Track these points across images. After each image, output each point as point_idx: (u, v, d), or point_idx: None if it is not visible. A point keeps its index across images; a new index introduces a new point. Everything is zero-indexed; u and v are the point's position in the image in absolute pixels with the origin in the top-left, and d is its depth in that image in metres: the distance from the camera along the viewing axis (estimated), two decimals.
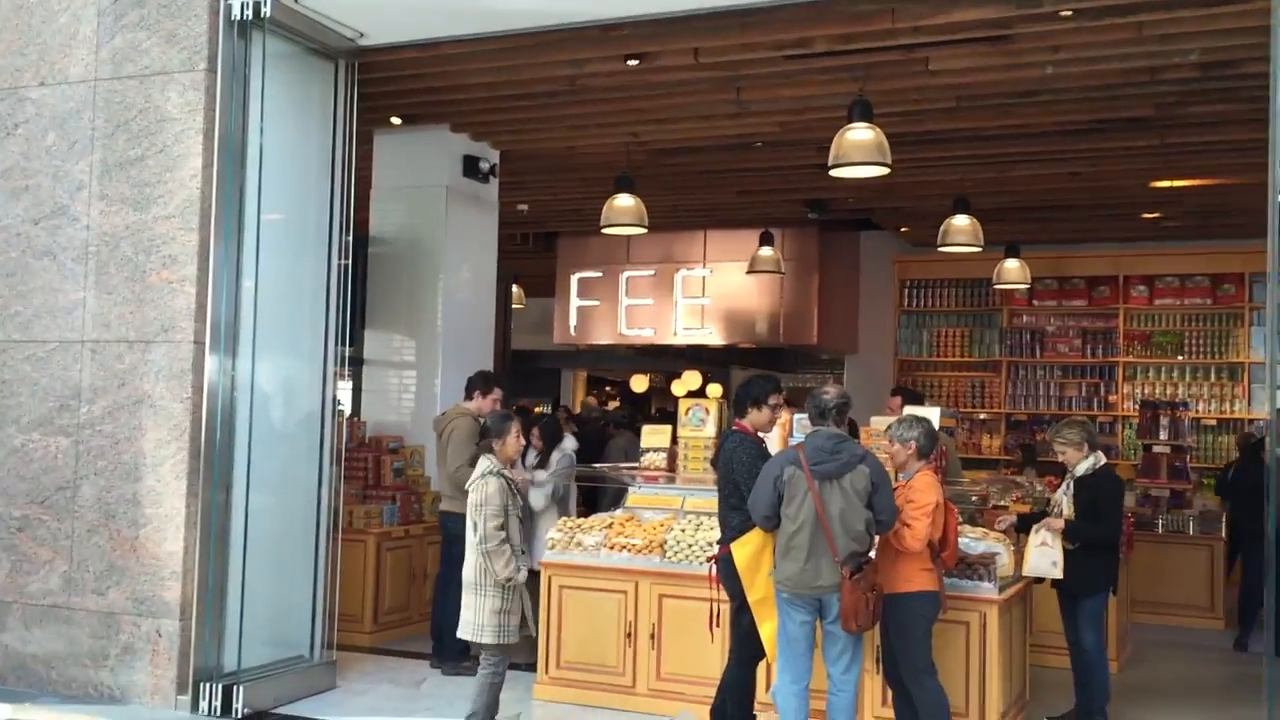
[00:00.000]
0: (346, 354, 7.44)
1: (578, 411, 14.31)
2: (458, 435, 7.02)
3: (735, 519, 5.33)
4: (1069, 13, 6.04)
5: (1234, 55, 6.56)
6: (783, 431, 6.35)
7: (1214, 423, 11.82)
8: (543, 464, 7.53)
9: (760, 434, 5.56)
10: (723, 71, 7.29)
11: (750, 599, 5.25)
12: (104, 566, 6.13)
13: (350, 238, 6.86)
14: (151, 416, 6.12)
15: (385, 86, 7.64)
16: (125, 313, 6.23)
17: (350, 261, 6.86)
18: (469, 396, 7.34)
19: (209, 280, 6.12)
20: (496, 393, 7.29)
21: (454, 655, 6.81)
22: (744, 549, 5.27)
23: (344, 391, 6.98)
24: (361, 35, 6.67)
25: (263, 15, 6.11)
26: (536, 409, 13.57)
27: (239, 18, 6.13)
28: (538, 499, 7.26)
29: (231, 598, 6.10)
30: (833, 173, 7.20)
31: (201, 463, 6.04)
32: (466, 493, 5.51)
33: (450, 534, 6.89)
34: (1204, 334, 11.99)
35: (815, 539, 4.89)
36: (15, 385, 6.43)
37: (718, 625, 5.55)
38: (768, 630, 5.20)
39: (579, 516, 7.11)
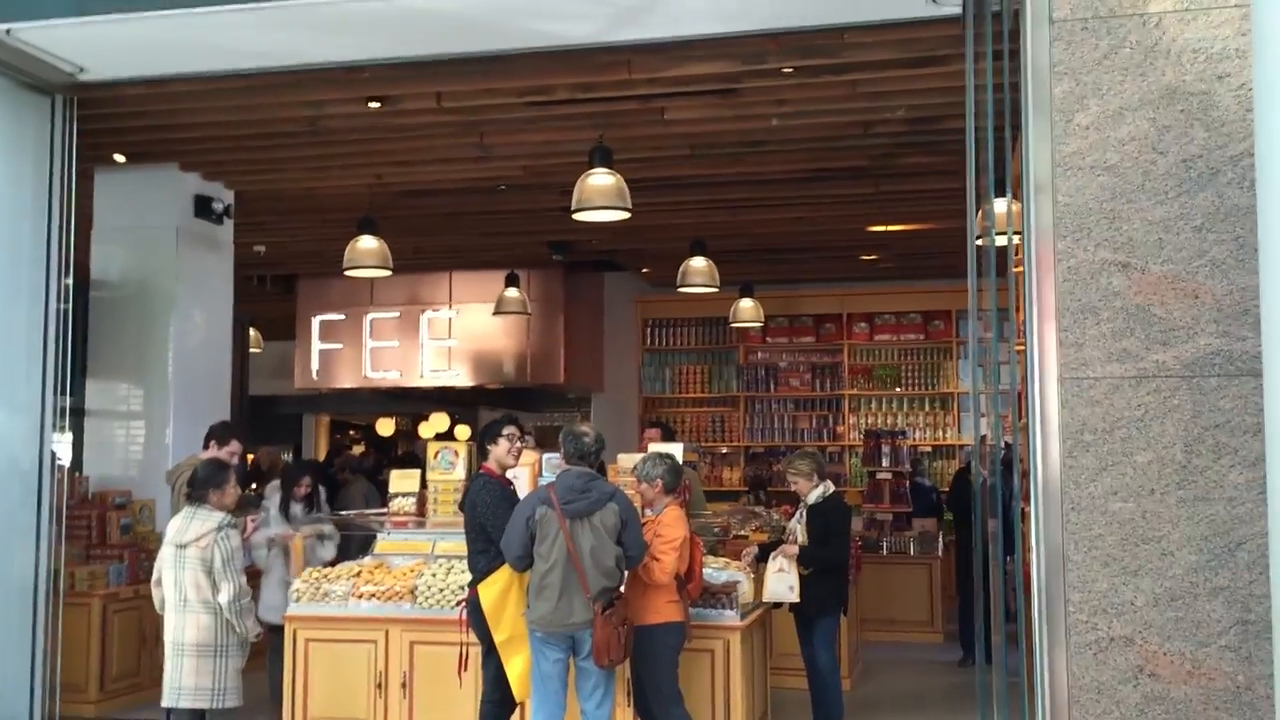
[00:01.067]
0: (67, 405, 7.01)
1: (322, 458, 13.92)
2: None
3: (481, 561, 5.38)
4: (790, 69, 6.47)
5: (937, 112, 7.17)
6: (532, 471, 6.43)
7: (930, 449, 12.76)
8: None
9: (507, 474, 5.63)
10: (466, 116, 7.36)
11: (496, 639, 5.30)
12: None
13: (70, 281, 6.48)
14: None
15: (108, 123, 7.29)
16: None
17: (70, 306, 6.48)
18: (205, 447, 7.05)
19: None
20: (235, 444, 7.04)
21: None
22: (490, 589, 5.33)
23: (64, 445, 6.55)
24: (81, 70, 6.32)
25: None
26: (280, 456, 13.09)
27: None
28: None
29: None
30: (575, 216, 7.39)
31: None
32: None
33: None
34: (919, 367, 12.95)
35: (567, 577, 4.98)
36: None
37: (466, 669, 5.55)
38: (515, 669, 5.26)
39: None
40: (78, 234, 6.55)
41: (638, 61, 6.41)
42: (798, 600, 6.22)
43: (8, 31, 5.81)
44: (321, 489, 7.76)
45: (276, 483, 7.65)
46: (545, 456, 6.55)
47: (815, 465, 6.44)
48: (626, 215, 7.35)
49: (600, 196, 7.17)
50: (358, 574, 6.41)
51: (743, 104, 7.08)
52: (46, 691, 6.12)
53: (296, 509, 7.35)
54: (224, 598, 5.15)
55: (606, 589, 5.01)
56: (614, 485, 5.41)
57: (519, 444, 5.72)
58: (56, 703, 6.15)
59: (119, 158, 8.28)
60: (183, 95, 6.93)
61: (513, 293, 11.37)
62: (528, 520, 5.06)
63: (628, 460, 6.33)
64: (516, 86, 6.82)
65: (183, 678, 5.16)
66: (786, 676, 7.28)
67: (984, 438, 5.67)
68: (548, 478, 6.09)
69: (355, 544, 8.94)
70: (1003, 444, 5.72)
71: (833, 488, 6.50)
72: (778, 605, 6.42)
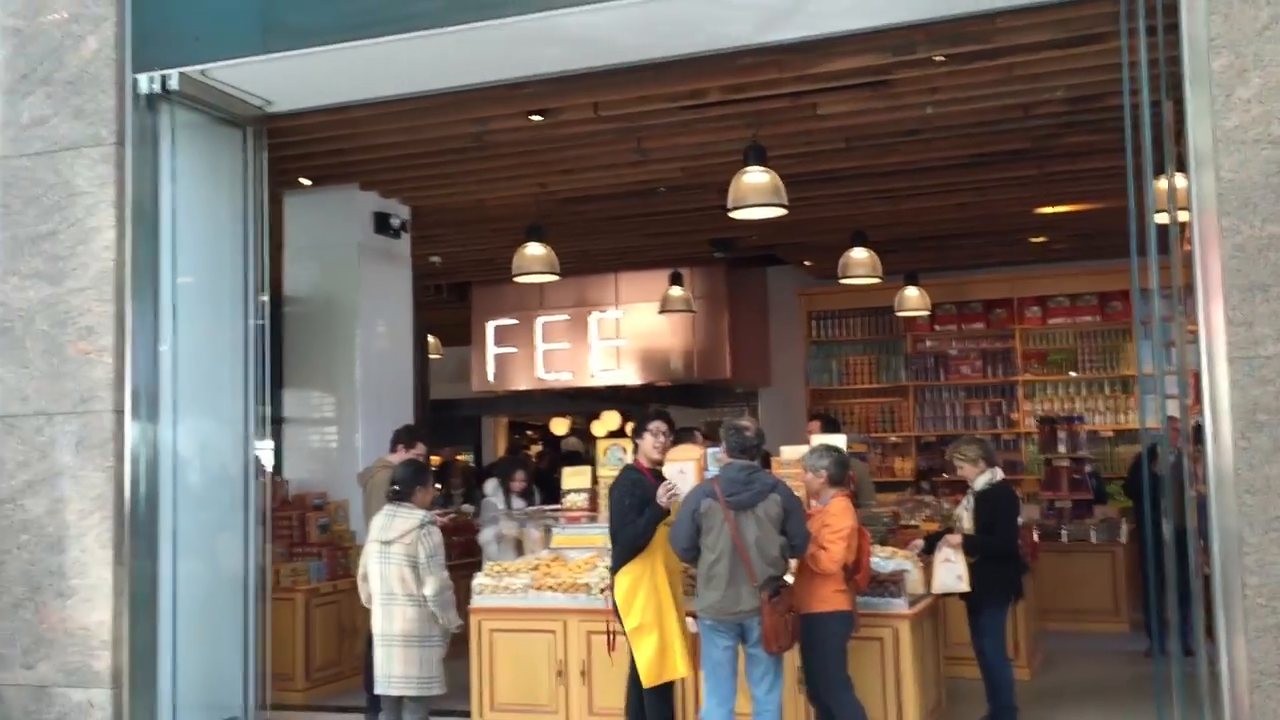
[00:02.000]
0: (267, 413, 7.54)
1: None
2: (381, 490, 7.13)
3: (614, 550, 5.63)
4: (942, 58, 6.44)
5: (1099, 90, 7.01)
6: (698, 465, 6.60)
7: (1110, 434, 12.36)
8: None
9: (655, 466, 5.82)
10: (623, 123, 7.58)
11: (626, 627, 5.53)
12: (31, 640, 6.12)
13: (266, 298, 6.98)
14: (73, 487, 6.15)
15: (293, 150, 7.80)
16: (43, 386, 6.25)
17: (267, 322, 6.98)
18: (393, 450, 7.47)
19: (126, 349, 6.18)
20: (419, 447, 7.43)
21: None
22: (622, 579, 5.56)
23: (265, 451, 7.06)
24: (268, 103, 6.81)
25: (170, 88, 6.23)
26: (460, 457, 13.67)
27: (147, 91, 6.25)
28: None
29: (163, 664, 6.14)
30: (732, 214, 7.53)
31: (126, 531, 6.08)
32: None
33: None
34: (1096, 350, 12.56)
35: (734, 567, 5.14)
36: None
37: (613, 650, 5.78)
38: (643, 656, 5.47)
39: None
40: (270, 254, 7.05)
41: (787, 60, 6.50)
42: (967, 589, 6.20)
43: (203, 72, 6.32)
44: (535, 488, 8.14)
45: (496, 481, 8.08)
46: (710, 451, 6.71)
47: (982, 451, 6.41)
48: (783, 211, 7.45)
49: (756, 194, 7.29)
50: (535, 567, 6.71)
51: (895, 95, 7.08)
52: (259, 680, 6.64)
53: (518, 503, 7.73)
54: (429, 590, 5.49)
55: (772, 577, 5.15)
56: (775, 477, 5.54)
57: (663, 438, 5.90)
58: (268, 691, 6.65)
59: (304, 181, 8.84)
60: (360, 120, 7.37)
61: (677, 291, 11.58)
62: (693, 513, 5.24)
63: (791, 453, 6.43)
64: (670, 92, 7.00)
65: (393, 666, 5.53)
66: (964, 666, 7.24)
67: (1171, 419, 5.55)
68: (713, 471, 6.24)
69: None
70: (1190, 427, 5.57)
71: (1000, 474, 6.45)
72: (948, 595, 6.41)
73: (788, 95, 7.11)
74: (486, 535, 7.19)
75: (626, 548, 5.55)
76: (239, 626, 6.62)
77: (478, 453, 18.28)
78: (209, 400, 6.69)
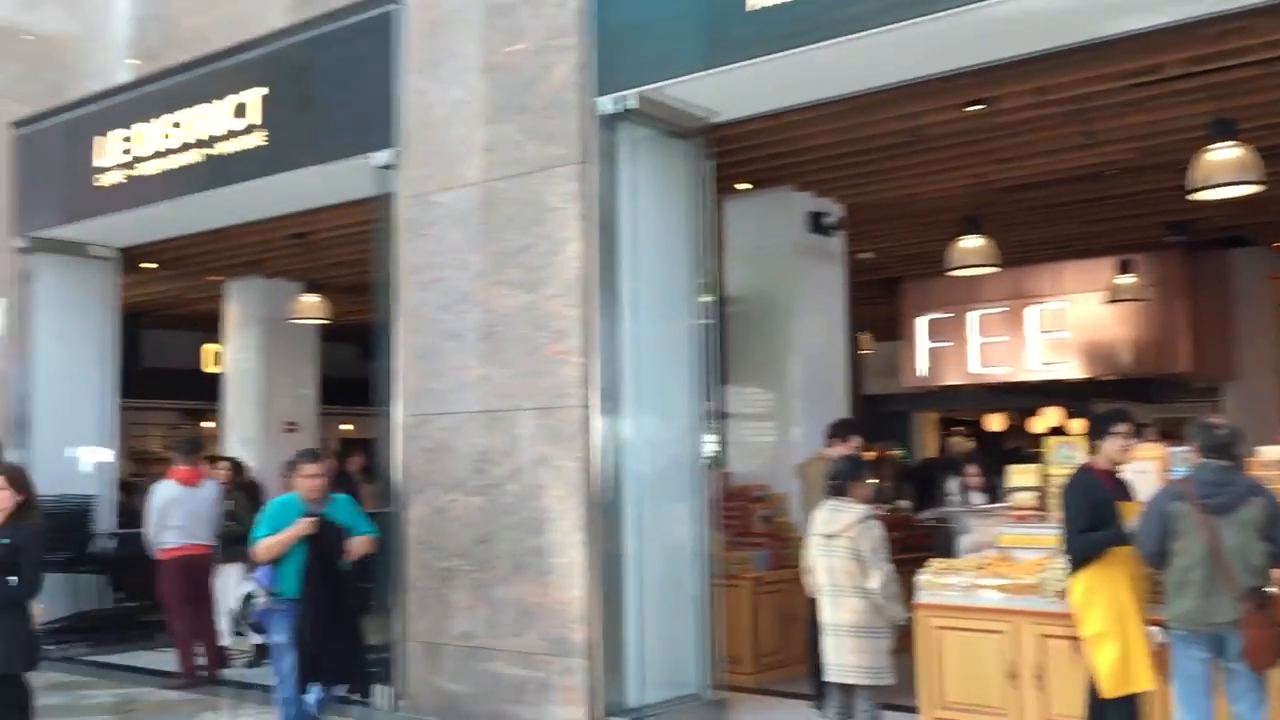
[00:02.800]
0: (714, 408, 7.94)
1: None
2: (818, 482, 7.27)
3: (1068, 555, 5.38)
4: None
5: None
6: (1159, 466, 6.19)
7: None
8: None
9: (1114, 468, 5.51)
10: (1068, 106, 7.25)
11: (1083, 633, 5.28)
12: (518, 611, 6.87)
13: (712, 299, 7.37)
14: (551, 476, 6.82)
15: (734, 156, 8.12)
16: (523, 384, 6.99)
17: (712, 321, 7.36)
18: (829, 444, 7.61)
19: (592, 350, 6.77)
20: (855, 440, 7.52)
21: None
22: (1077, 584, 5.31)
23: (712, 444, 7.44)
24: (714, 114, 7.18)
25: (628, 108, 6.75)
26: (891, 453, 13.64)
27: (607, 112, 6.80)
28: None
29: (629, 639, 6.66)
30: (1194, 195, 6.98)
31: (596, 516, 6.66)
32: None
33: None
34: None
35: (1211, 574, 4.78)
36: (437, 452, 7.34)
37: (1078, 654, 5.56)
38: (1101, 664, 5.20)
39: None
40: (715, 256, 7.43)
41: (1256, 25, 5.93)
42: None
43: (658, 90, 6.78)
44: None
45: (957, 481, 8.07)
46: (1174, 450, 6.27)
47: None
48: (1259, 188, 6.80)
49: (1224, 171, 6.72)
50: (981, 566, 6.58)
51: None
52: (712, 662, 7.03)
53: (977, 498, 7.67)
54: (873, 584, 5.58)
55: (1255, 587, 4.73)
56: (1255, 479, 5.08)
57: (1129, 442, 5.57)
58: (722, 671, 7.02)
59: (743, 186, 9.20)
60: (795, 123, 7.57)
61: (1126, 279, 10.90)
62: (1162, 516, 4.92)
63: (1272, 453, 5.87)
64: (1121, 70, 6.61)
65: (844, 655, 5.68)
66: None
67: None
68: (1179, 472, 5.83)
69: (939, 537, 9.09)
70: None
71: None
72: None
73: (1258, 63, 6.48)
74: (966, 542, 7.14)
75: (1077, 558, 5.34)
76: (694, 609, 7.05)
77: (908, 449, 18.10)
78: (662, 396, 7.16)
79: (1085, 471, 5.53)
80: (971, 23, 5.74)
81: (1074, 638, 5.52)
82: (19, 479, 5.81)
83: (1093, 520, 5.33)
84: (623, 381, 6.83)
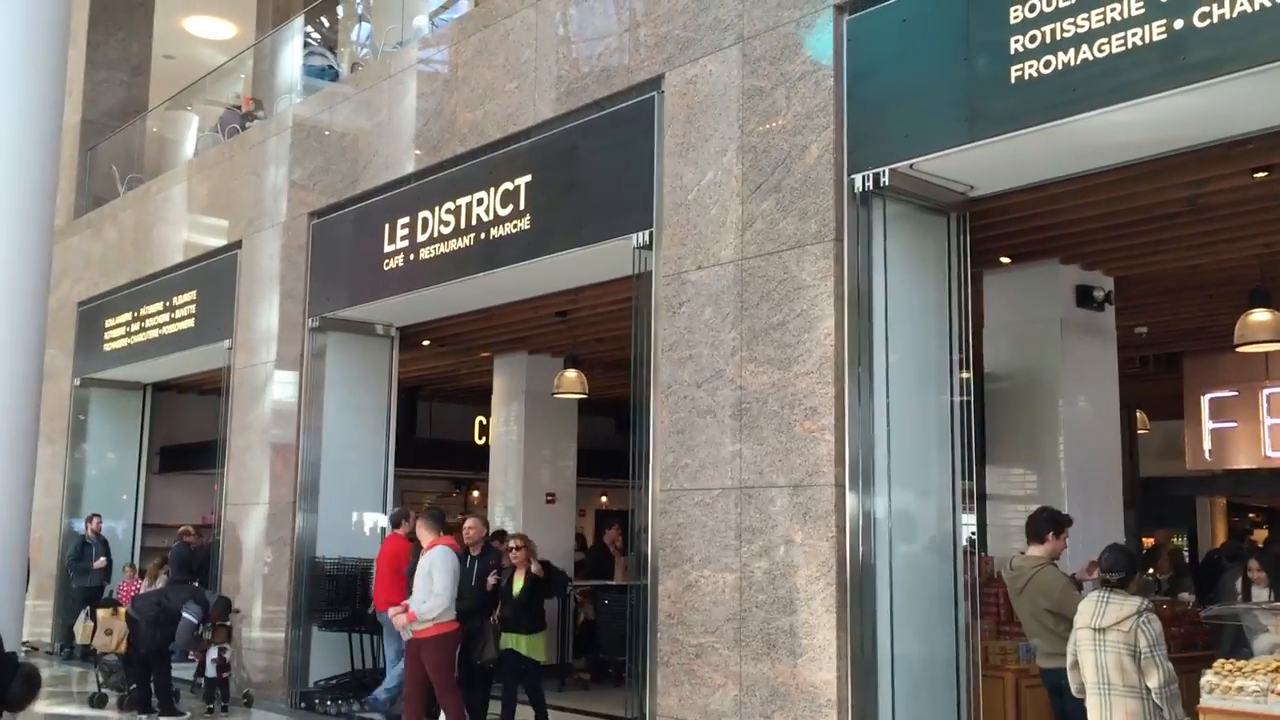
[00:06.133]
0: (972, 488, 7.65)
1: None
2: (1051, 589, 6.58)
3: None
4: None
5: None
6: None
7: None
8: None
9: None
10: None
11: None
12: (768, 692, 6.78)
13: (968, 374, 7.15)
14: (801, 554, 6.74)
15: (993, 230, 7.92)
16: (775, 461, 6.97)
17: (969, 398, 7.13)
18: (1029, 545, 6.86)
19: (845, 427, 6.69)
20: (1053, 538, 6.80)
21: None
22: None
23: (970, 525, 7.17)
24: (971, 188, 7.03)
25: (882, 185, 6.71)
26: (1173, 540, 12.73)
27: (861, 189, 6.78)
28: None
29: None
30: None
31: (848, 597, 6.53)
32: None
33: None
34: None
35: None
36: (687, 528, 7.42)
37: None
38: None
39: None
40: (973, 332, 7.22)
41: None
42: None
43: (911, 166, 6.71)
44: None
45: (1237, 570, 7.49)
46: None
47: None
48: None
49: None
50: (1277, 669, 6.01)
51: None
52: None
53: (1260, 593, 7.09)
54: (1153, 683, 5.21)
55: None
56: None
57: None
58: None
59: (1004, 259, 8.93)
60: (1060, 195, 7.30)
61: None
62: None
63: None
64: None
65: None
66: None
67: None
68: None
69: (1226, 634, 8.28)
70: None
71: None
72: None
73: None
74: (1263, 644, 6.55)
75: None
76: (952, 698, 6.77)
77: (1191, 536, 16.84)
78: (917, 474, 6.98)
79: None
80: (1256, 86, 5.41)
81: None
82: None
83: None
84: (875, 459, 6.71)
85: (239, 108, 14.49)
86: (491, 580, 9.09)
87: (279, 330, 11.83)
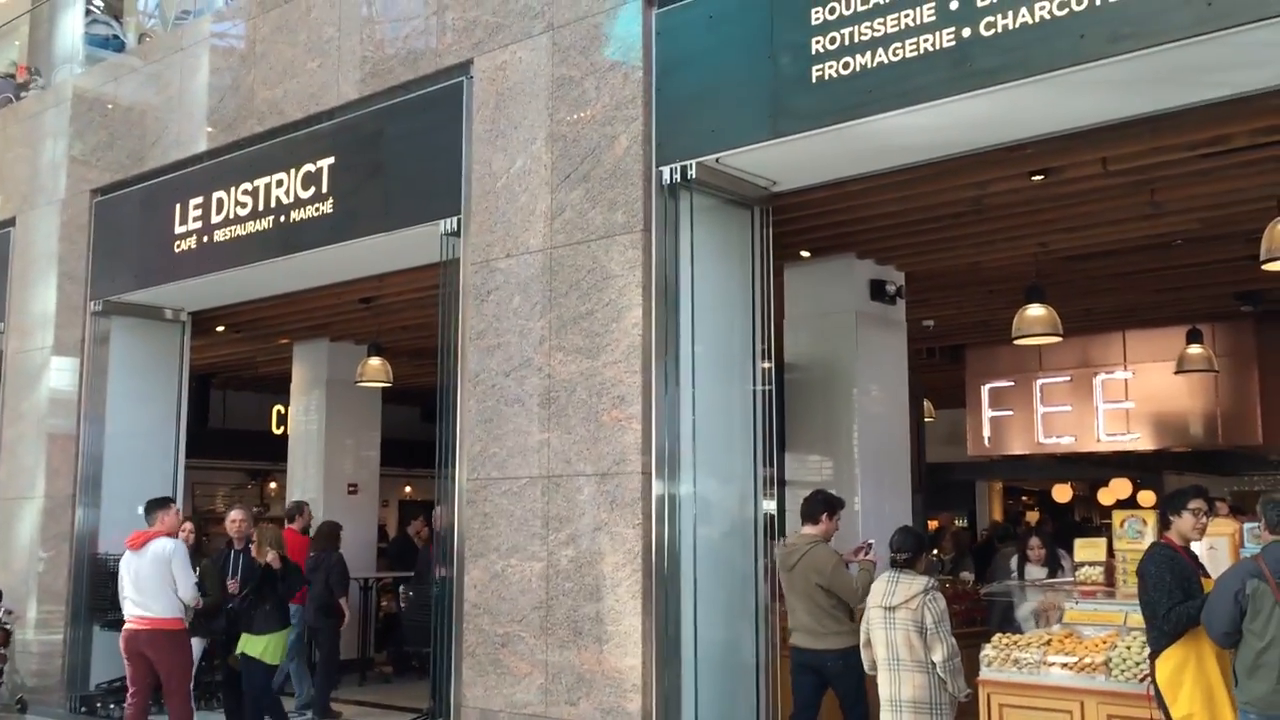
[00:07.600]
0: (772, 475, 7.88)
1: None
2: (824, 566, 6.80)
3: (1151, 634, 5.21)
4: None
5: None
6: (1232, 542, 6.04)
7: None
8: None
9: (1187, 544, 5.38)
10: (1134, 176, 7.20)
11: (1174, 716, 5.08)
12: (574, 679, 6.82)
13: (769, 365, 7.36)
14: (608, 542, 6.80)
15: (794, 225, 8.16)
16: (583, 449, 7.00)
17: (771, 387, 7.34)
18: (803, 525, 7.09)
19: (651, 416, 6.78)
20: (825, 519, 7.03)
21: None
22: (1164, 665, 5.14)
23: (770, 509, 7.38)
24: (774, 184, 7.23)
25: (689, 177, 6.82)
26: (956, 523, 13.44)
27: (669, 181, 6.87)
28: None
29: (686, 709, 6.58)
30: (1269, 265, 6.87)
31: (653, 583, 6.62)
32: None
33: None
34: None
35: None
36: (494, 517, 7.37)
37: None
38: None
39: None
40: (774, 322, 7.43)
41: None
42: None
43: (717, 160, 6.84)
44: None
45: (1011, 550, 7.93)
46: (1246, 526, 6.11)
47: None
48: None
49: None
50: (1047, 642, 6.43)
51: None
52: None
53: (1036, 572, 7.53)
54: (937, 657, 5.48)
55: None
56: None
57: (1205, 519, 5.43)
58: None
59: (804, 253, 9.22)
60: (856, 193, 7.58)
61: (1196, 349, 10.70)
62: (1236, 594, 4.79)
63: None
64: (1188, 140, 6.56)
65: None
66: None
67: None
68: (1250, 549, 5.68)
69: (996, 611, 8.83)
70: None
71: None
72: None
73: None
74: (1024, 612, 6.97)
75: (1177, 628, 5.15)
76: (752, 679, 6.96)
77: (971, 519, 17.83)
78: (721, 461, 7.13)
79: (1162, 546, 5.38)
80: (1035, 94, 5.74)
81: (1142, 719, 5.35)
82: None
83: (1182, 594, 5.16)
84: (681, 447, 6.83)
85: (13, 76, 13.52)
86: (232, 585, 8.42)
87: (57, 313, 11.13)
